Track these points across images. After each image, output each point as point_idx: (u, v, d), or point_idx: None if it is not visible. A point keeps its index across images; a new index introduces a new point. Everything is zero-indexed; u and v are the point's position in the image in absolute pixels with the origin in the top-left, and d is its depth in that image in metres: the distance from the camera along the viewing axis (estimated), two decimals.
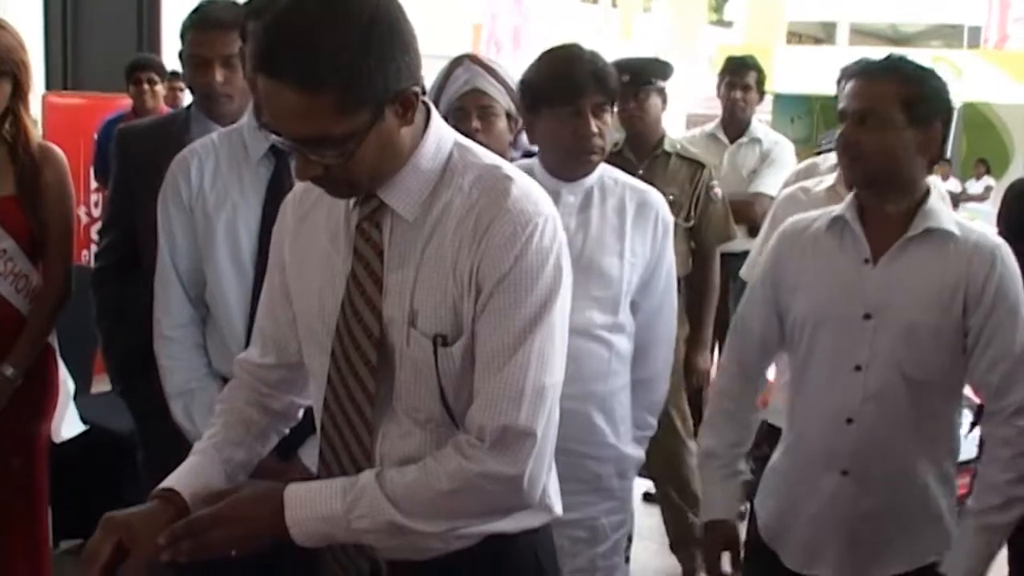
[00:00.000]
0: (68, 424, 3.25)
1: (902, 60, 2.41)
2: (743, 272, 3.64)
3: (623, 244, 2.72)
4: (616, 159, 4.27)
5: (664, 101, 4.30)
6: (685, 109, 13.81)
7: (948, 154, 13.97)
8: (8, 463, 3.06)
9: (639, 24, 17.07)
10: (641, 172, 4.09)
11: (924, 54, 15.05)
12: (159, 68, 6.37)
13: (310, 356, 1.82)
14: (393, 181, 1.68)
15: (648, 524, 4.73)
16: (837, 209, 2.48)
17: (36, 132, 3.02)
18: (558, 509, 1.87)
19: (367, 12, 1.55)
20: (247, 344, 2.39)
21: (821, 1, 18.29)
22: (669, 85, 4.40)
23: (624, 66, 4.03)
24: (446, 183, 1.69)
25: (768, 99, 17.63)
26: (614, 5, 17.55)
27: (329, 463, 1.76)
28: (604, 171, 2.75)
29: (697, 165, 4.21)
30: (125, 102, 6.41)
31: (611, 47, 10.44)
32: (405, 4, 1.63)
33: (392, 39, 1.57)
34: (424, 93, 1.65)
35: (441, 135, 1.72)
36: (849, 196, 2.49)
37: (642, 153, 4.21)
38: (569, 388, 2.61)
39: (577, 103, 2.59)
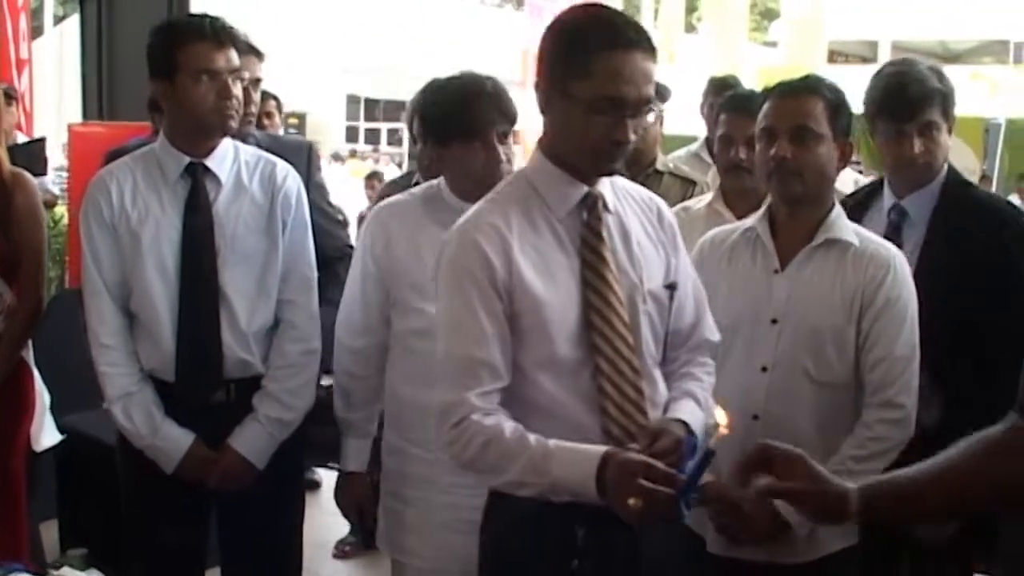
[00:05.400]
0: (47, 434, 3.42)
1: (820, 78, 2.55)
2: None
3: None
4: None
5: (660, 122, 4.37)
6: None
7: (991, 170, 13.79)
8: None
9: (682, 45, 17.15)
10: None
11: (963, 71, 14.93)
12: None
13: (562, 348, 2.14)
14: (603, 179, 2.19)
15: None
16: (750, 221, 2.63)
17: (7, 161, 3.19)
18: None
19: None
20: (176, 341, 2.72)
21: (862, 20, 18.18)
22: None
23: None
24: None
25: None
26: (655, 27, 17.67)
27: (612, 414, 2.14)
28: None
29: (688, 183, 4.28)
30: (143, 129, 6.60)
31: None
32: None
33: None
34: None
35: None
36: (762, 208, 2.63)
37: (636, 170, 4.27)
38: None
39: (485, 135, 2.61)
